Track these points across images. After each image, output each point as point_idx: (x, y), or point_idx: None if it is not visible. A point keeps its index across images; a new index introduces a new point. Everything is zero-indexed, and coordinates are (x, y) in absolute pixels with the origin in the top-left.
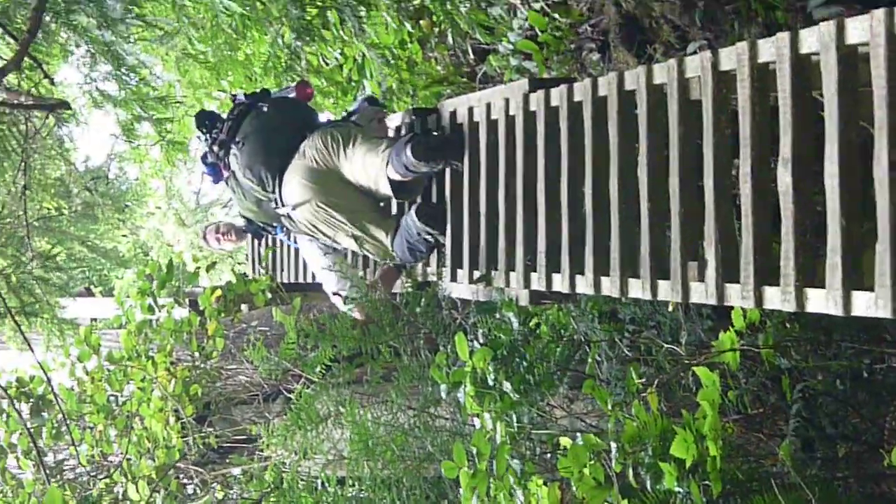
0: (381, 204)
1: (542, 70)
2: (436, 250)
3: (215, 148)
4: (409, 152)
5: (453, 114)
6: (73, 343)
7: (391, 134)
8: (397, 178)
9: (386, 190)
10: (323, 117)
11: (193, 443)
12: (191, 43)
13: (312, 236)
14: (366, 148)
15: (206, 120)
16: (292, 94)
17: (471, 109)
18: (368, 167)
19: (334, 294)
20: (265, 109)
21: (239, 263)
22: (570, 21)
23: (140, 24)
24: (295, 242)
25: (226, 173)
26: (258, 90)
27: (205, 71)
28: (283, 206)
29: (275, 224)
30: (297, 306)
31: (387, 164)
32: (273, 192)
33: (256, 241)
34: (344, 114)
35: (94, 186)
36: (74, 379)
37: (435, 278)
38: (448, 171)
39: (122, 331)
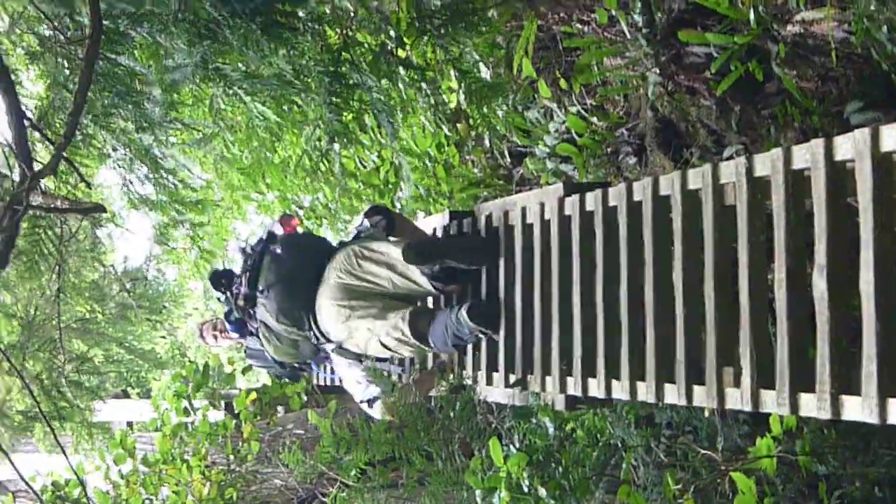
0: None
1: (583, 174)
2: (474, 349)
3: (241, 303)
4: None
5: (489, 217)
6: (108, 446)
7: (427, 231)
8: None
9: (420, 280)
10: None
11: None
12: (227, 146)
13: (357, 359)
14: (387, 248)
15: (221, 279)
16: (279, 230)
17: (506, 213)
18: (398, 264)
19: (361, 402)
20: (279, 252)
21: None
22: (608, 124)
23: (178, 128)
24: (332, 373)
25: (253, 326)
26: (262, 236)
27: (242, 171)
28: (324, 340)
29: (309, 361)
30: (333, 409)
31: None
32: (311, 329)
33: None
34: (354, 232)
35: (133, 288)
36: (109, 482)
37: (470, 381)
38: (484, 275)
39: (158, 434)
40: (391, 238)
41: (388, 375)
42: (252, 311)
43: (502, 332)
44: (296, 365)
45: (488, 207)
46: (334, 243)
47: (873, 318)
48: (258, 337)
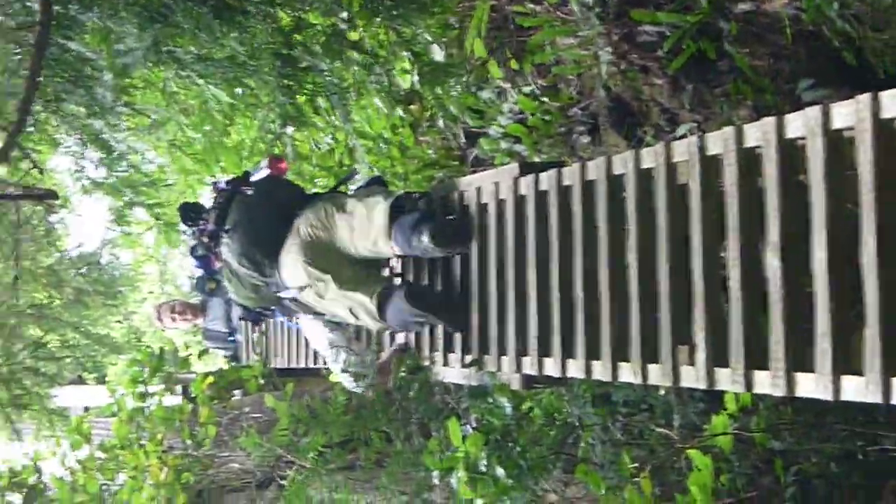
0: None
1: (532, 153)
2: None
3: (205, 239)
4: (425, 238)
5: (444, 198)
6: (65, 432)
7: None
8: (398, 253)
9: (386, 252)
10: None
11: None
12: (181, 130)
13: (317, 314)
14: (363, 210)
15: (190, 212)
16: (265, 171)
17: (461, 194)
18: (368, 229)
19: (343, 371)
20: (250, 193)
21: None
22: (559, 104)
23: (130, 113)
24: (296, 324)
25: (218, 264)
26: (238, 175)
27: (195, 157)
28: (284, 288)
29: (273, 307)
30: (290, 392)
31: (389, 233)
32: (271, 276)
33: (251, 327)
34: (333, 186)
35: (88, 273)
36: (66, 468)
37: (427, 363)
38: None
39: (114, 419)
40: (367, 196)
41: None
42: (216, 250)
43: (475, 318)
44: (258, 309)
45: (443, 188)
46: (309, 193)
47: (826, 296)
48: (222, 276)
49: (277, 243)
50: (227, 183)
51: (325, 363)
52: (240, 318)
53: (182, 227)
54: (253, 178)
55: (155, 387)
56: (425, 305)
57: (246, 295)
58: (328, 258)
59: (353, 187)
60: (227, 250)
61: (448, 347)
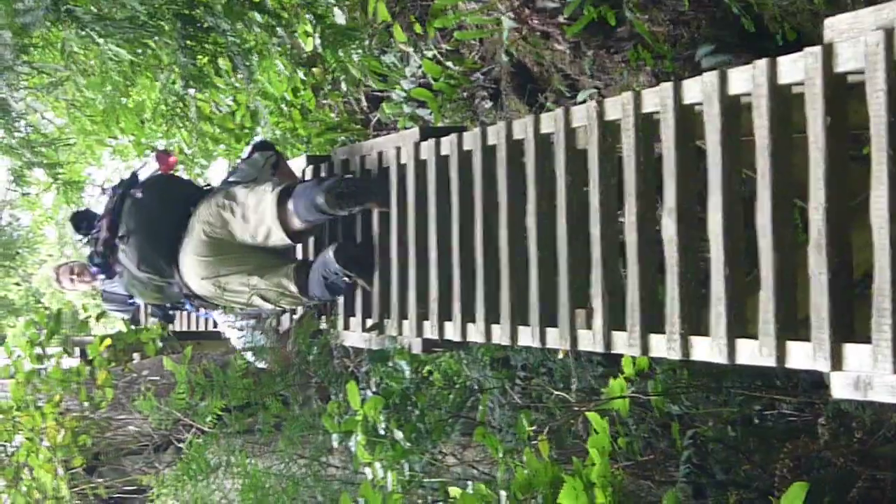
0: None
1: (438, 118)
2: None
3: (100, 248)
4: (320, 198)
5: (345, 162)
6: None
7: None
8: (300, 227)
9: (281, 238)
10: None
11: (83, 493)
12: (80, 90)
13: (224, 308)
14: (254, 200)
15: (82, 221)
16: (154, 167)
17: (363, 158)
18: (262, 216)
19: (248, 350)
20: (139, 196)
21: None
22: (463, 69)
23: (29, 72)
24: (207, 313)
25: (118, 268)
26: (125, 177)
27: (95, 118)
28: (186, 287)
29: (183, 301)
30: (189, 355)
31: (281, 208)
32: (173, 277)
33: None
34: (227, 173)
35: None
36: None
37: (326, 326)
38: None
39: (11, 381)
40: (258, 184)
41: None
42: (114, 256)
43: (376, 283)
44: (167, 305)
45: (345, 152)
46: (201, 186)
47: (721, 259)
48: (123, 281)
49: (174, 244)
50: (115, 187)
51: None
52: (152, 316)
53: (75, 236)
54: (142, 178)
55: (52, 349)
56: (355, 263)
57: (151, 296)
58: (228, 253)
59: (238, 159)
60: (125, 257)
61: (349, 311)
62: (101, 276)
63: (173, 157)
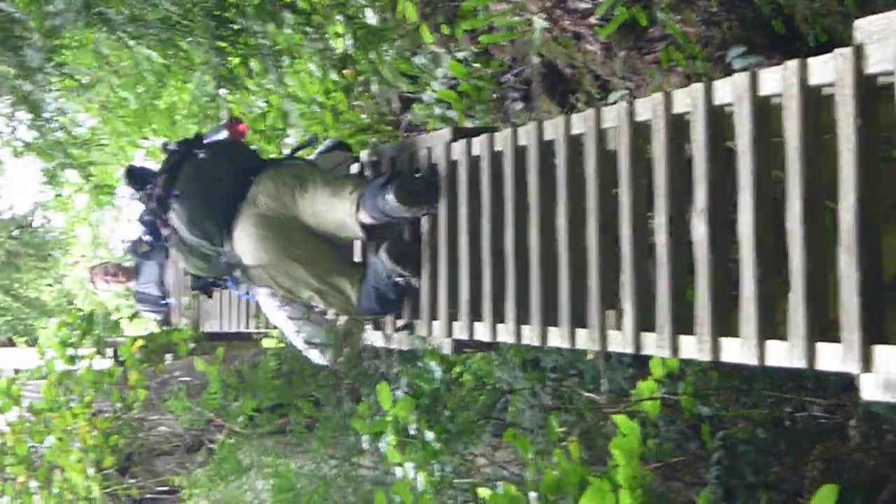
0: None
1: (462, 120)
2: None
3: (152, 205)
4: (389, 196)
5: (376, 163)
6: None
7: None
8: (369, 222)
9: (355, 232)
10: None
11: (115, 494)
12: (112, 91)
13: (271, 289)
14: (330, 190)
15: (136, 176)
16: (224, 134)
17: (393, 159)
18: (334, 211)
19: (307, 344)
20: (202, 157)
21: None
22: (491, 71)
23: (60, 74)
24: (249, 295)
25: (166, 231)
26: (190, 136)
27: (127, 118)
28: (236, 260)
29: (226, 277)
30: (221, 356)
31: (357, 208)
32: (223, 245)
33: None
34: (290, 152)
35: (20, 235)
36: None
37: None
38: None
39: (43, 382)
40: (338, 179)
41: (320, 319)
42: (164, 216)
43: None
44: (210, 279)
45: (375, 153)
46: (264, 159)
47: (752, 261)
48: (170, 244)
49: (230, 213)
50: (179, 144)
51: (287, 339)
52: (191, 288)
53: (127, 190)
54: (207, 140)
55: (85, 350)
56: (407, 259)
57: (196, 264)
58: (288, 231)
59: (316, 151)
60: (176, 217)
61: None
62: (147, 238)
63: (244, 124)
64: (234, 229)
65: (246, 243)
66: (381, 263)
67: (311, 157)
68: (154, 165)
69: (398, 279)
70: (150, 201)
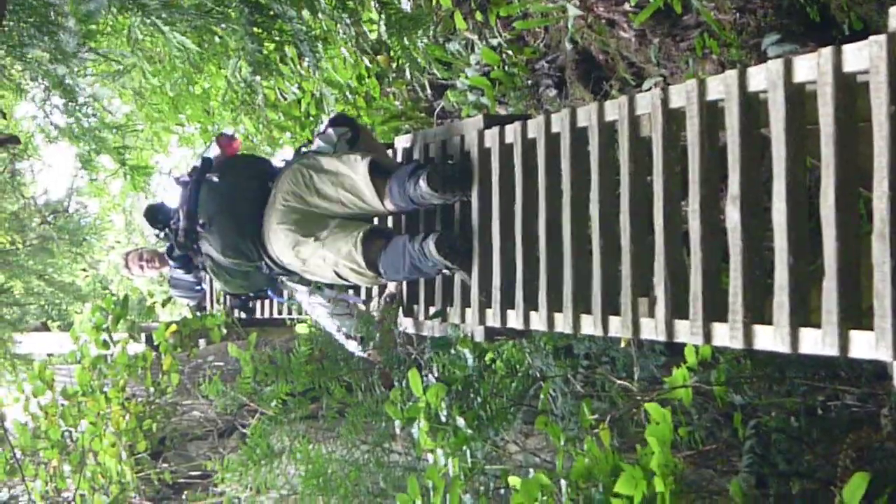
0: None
1: (494, 106)
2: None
3: (181, 239)
4: (422, 182)
5: (408, 150)
6: (28, 378)
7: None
8: (393, 210)
9: (375, 203)
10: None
11: (148, 478)
12: (146, 77)
13: (308, 284)
14: (343, 168)
15: (157, 214)
16: (217, 151)
17: (426, 146)
18: (348, 181)
19: (348, 338)
20: (216, 180)
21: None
22: (524, 58)
23: (94, 59)
24: (290, 299)
25: (199, 261)
26: (197, 164)
27: (162, 105)
28: (276, 265)
29: (265, 287)
30: (253, 341)
31: (378, 181)
32: (260, 259)
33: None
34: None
35: (54, 220)
36: (28, 414)
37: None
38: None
39: (77, 366)
40: (344, 154)
41: (362, 311)
42: (195, 246)
43: (475, 271)
44: (251, 295)
45: (408, 139)
46: (276, 163)
47: (785, 248)
48: (206, 271)
49: (258, 224)
50: (190, 174)
51: (325, 329)
52: (231, 308)
53: (152, 230)
54: (213, 162)
55: (118, 334)
56: (457, 254)
57: (237, 285)
58: (307, 221)
59: (316, 130)
60: (208, 245)
61: (412, 299)
62: (178, 269)
63: (237, 140)
64: (265, 239)
65: (277, 243)
66: (430, 254)
67: (313, 144)
68: (170, 200)
69: (445, 271)
70: (176, 237)
